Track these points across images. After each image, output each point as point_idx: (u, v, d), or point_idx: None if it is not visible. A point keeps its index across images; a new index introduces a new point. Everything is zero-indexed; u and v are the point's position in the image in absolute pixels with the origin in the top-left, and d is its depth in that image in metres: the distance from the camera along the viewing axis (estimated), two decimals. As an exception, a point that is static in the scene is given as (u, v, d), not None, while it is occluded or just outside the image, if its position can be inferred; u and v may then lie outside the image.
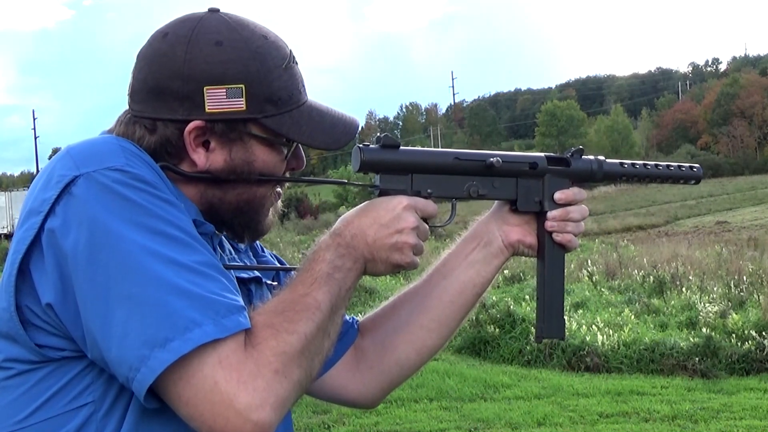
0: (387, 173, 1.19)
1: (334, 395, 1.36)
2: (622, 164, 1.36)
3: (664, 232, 24.76)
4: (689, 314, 8.34)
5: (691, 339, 7.39)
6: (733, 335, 7.39)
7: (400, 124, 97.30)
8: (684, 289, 9.68)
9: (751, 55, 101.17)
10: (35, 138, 73.83)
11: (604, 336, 7.64)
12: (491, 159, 1.24)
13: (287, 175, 1.21)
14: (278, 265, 1.36)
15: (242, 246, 1.29)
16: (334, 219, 2.09)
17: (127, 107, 1.14)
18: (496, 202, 1.34)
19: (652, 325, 8.20)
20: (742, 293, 9.01)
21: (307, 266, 1.08)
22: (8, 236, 28.83)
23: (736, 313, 7.91)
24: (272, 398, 0.95)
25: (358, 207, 1.18)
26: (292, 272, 1.12)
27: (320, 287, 1.05)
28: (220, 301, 0.96)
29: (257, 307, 1.03)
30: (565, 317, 1.35)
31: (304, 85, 1.17)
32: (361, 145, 1.18)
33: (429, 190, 1.21)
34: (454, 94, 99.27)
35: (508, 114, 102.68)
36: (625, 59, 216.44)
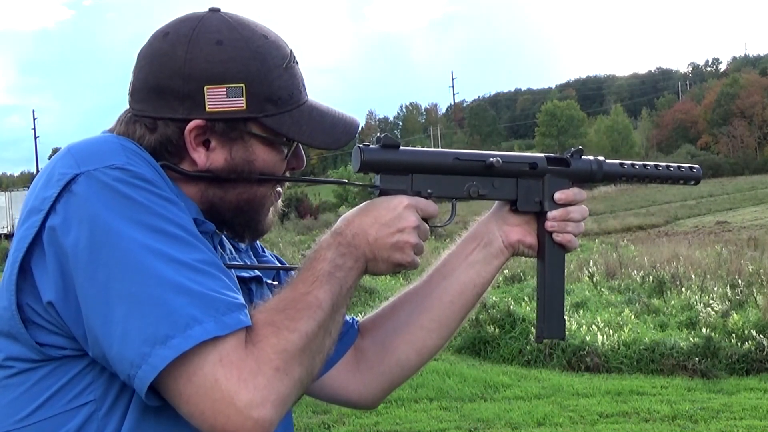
0: (387, 173, 1.19)
1: (334, 395, 1.36)
2: (622, 164, 1.36)
3: (664, 232, 24.76)
4: (689, 314, 8.33)
5: (691, 339, 7.38)
6: (733, 335, 7.38)
7: (400, 124, 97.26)
8: (684, 289, 9.67)
9: (751, 55, 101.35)
10: (35, 138, 74.00)
11: (604, 336, 7.63)
12: (491, 159, 1.24)
13: (287, 174, 1.21)
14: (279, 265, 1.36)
15: (243, 245, 1.29)
16: (334, 219, 2.09)
17: (127, 106, 1.14)
18: (496, 202, 1.34)
19: (652, 325, 8.19)
20: (742, 293, 9.00)
21: (308, 265, 1.08)
22: (8, 236, 28.81)
23: (736, 313, 7.89)
24: (273, 396, 0.95)
25: (359, 206, 1.18)
26: (293, 271, 1.12)
27: (321, 286, 1.05)
28: (220, 299, 0.96)
29: (258, 306, 1.03)
30: (565, 317, 1.35)
31: (304, 85, 1.17)
32: (361, 145, 1.18)
33: (429, 190, 1.21)
34: (454, 94, 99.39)
35: (508, 114, 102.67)
36: (625, 59, 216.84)
